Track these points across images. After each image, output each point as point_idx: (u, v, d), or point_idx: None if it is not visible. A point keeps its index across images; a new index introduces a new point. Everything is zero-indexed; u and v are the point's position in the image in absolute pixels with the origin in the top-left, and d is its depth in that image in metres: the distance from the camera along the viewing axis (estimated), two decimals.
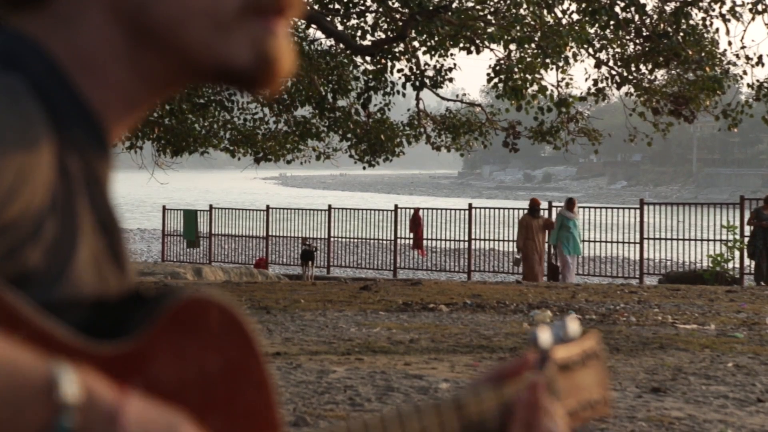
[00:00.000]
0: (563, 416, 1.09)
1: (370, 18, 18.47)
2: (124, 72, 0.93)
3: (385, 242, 26.75)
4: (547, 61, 15.76)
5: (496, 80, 16.22)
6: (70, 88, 0.90)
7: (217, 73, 0.94)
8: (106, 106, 0.93)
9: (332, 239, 26.91)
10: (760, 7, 16.67)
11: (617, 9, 16.16)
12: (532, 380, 1.05)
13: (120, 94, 0.93)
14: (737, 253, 20.59)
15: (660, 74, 18.37)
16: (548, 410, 1.05)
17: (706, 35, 17.11)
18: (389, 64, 17.49)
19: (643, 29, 16.95)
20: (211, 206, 28.92)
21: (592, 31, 16.92)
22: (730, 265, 20.43)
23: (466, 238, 25.16)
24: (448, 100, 21.10)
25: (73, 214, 0.87)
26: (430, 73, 18.44)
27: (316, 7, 17.50)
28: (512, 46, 16.10)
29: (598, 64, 18.36)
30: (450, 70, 18.64)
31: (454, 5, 15.50)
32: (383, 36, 18.04)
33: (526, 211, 21.36)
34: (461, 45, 16.37)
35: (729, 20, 17.07)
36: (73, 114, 0.90)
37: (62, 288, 0.86)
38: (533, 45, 15.62)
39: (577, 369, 1.13)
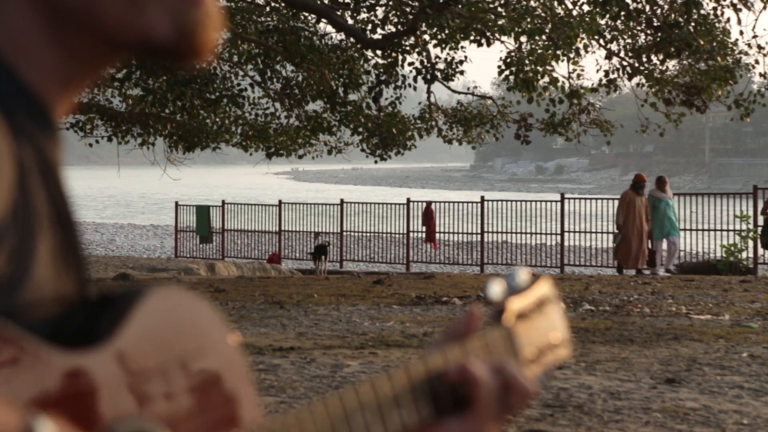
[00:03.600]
0: (528, 366, 1.10)
1: (380, 12, 18.48)
2: (55, 53, 0.91)
3: (397, 236, 26.75)
4: (558, 52, 15.73)
5: (507, 72, 16.20)
6: (9, 73, 0.89)
7: (140, 47, 0.92)
8: (43, 87, 0.91)
9: (345, 233, 26.92)
10: None
11: None
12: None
13: (54, 73, 0.92)
14: (751, 243, 20.54)
15: (671, 64, 18.33)
16: (510, 363, 1.05)
17: (717, 25, 17.05)
18: (400, 57, 17.48)
19: (654, 19, 16.91)
20: (223, 202, 28.96)
21: (602, 22, 16.89)
22: (744, 255, 20.37)
23: (479, 231, 25.14)
24: (459, 92, 21.08)
25: (31, 212, 0.86)
26: (441, 66, 18.43)
27: (326, 1, 17.50)
28: (523, 38, 16.08)
29: (609, 55, 18.32)
30: (461, 62, 18.63)
31: None
32: (394, 29, 18.03)
33: (629, 187, 20.32)
34: (472, 38, 16.35)
35: (740, 9, 17.03)
36: (17, 99, 0.88)
37: (25, 291, 0.84)
38: (544, 37, 15.59)
39: (534, 316, 1.13)
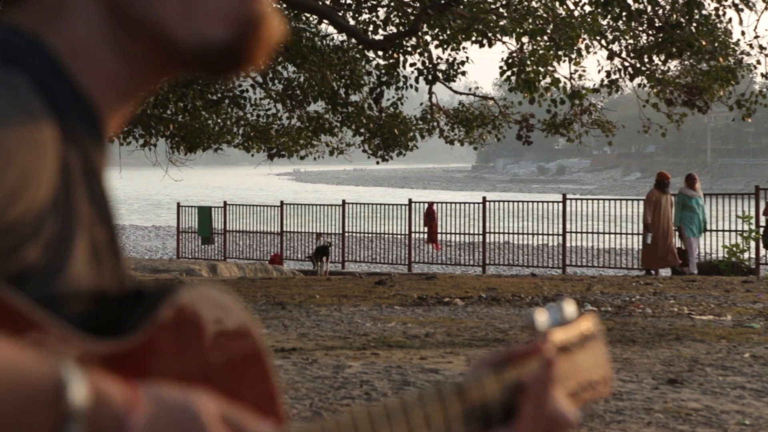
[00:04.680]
0: (567, 398, 1.10)
1: (381, 12, 18.48)
2: (114, 58, 0.93)
3: (399, 237, 26.74)
4: (560, 53, 15.73)
5: (508, 73, 16.20)
6: (67, 79, 0.90)
7: (197, 51, 0.92)
8: (100, 95, 0.92)
9: (347, 234, 26.92)
10: None
11: (629, 0, 16.12)
12: (548, 358, 1.06)
13: (112, 82, 0.93)
14: (753, 244, 20.52)
15: (673, 65, 18.33)
16: (557, 390, 1.06)
17: (719, 25, 17.04)
18: (401, 58, 17.48)
19: (656, 20, 16.90)
20: (225, 203, 28.96)
21: (604, 22, 16.89)
22: (746, 255, 20.36)
23: (481, 232, 25.13)
24: (460, 93, 21.08)
25: (72, 209, 0.87)
26: (443, 66, 18.43)
27: (328, 2, 17.50)
28: (524, 39, 16.08)
29: (611, 56, 18.32)
30: (462, 63, 18.63)
31: None
32: (395, 30, 18.03)
33: (653, 186, 19.82)
34: (473, 38, 16.35)
35: (742, 10, 17.01)
36: (71, 105, 0.90)
37: (60, 282, 0.86)
38: (545, 37, 15.59)
39: (576, 351, 1.13)
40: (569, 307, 1.13)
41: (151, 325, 0.86)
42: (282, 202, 28.38)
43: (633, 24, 17.17)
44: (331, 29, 18.91)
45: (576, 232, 24.57)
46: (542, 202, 26.24)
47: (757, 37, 17.79)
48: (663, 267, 19.62)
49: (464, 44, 17.89)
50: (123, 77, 0.93)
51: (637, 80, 18.55)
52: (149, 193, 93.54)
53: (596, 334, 1.16)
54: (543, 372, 1.05)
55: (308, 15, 18.29)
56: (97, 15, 0.91)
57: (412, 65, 17.94)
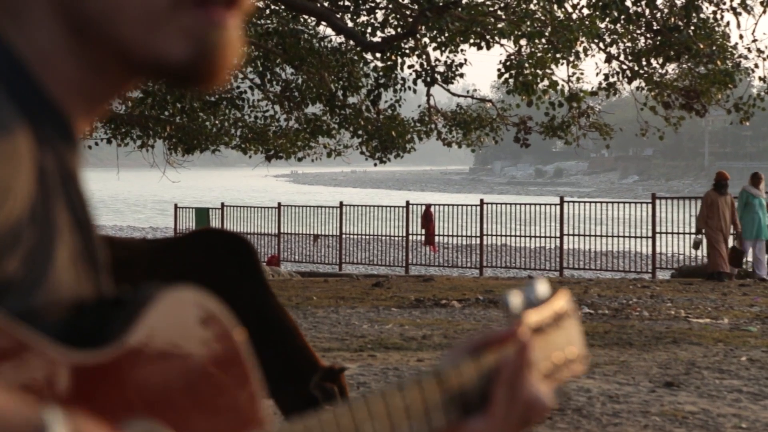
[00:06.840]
0: (543, 381, 1.09)
1: (380, 14, 18.48)
2: (77, 65, 0.91)
3: (396, 239, 26.73)
4: (558, 56, 15.74)
5: (506, 75, 16.20)
6: (35, 84, 0.89)
7: (155, 69, 0.91)
8: (66, 100, 0.91)
9: (344, 236, 26.91)
10: None
11: (628, 3, 16.13)
12: (522, 341, 1.05)
13: (77, 88, 0.92)
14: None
15: (671, 68, 18.34)
16: (532, 373, 1.05)
17: (717, 29, 17.07)
18: (399, 60, 17.48)
19: (654, 23, 16.92)
20: (222, 204, 28.95)
21: (602, 25, 16.90)
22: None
23: (478, 234, 25.14)
24: (458, 95, 21.08)
25: (50, 217, 0.86)
26: (441, 69, 18.43)
27: (326, 4, 17.50)
28: (523, 42, 16.09)
29: (609, 59, 18.33)
30: (460, 65, 18.63)
31: (464, 1, 15.49)
32: (393, 32, 18.03)
33: (711, 187, 19.05)
34: (471, 41, 16.36)
35: (740, 13, 17.04)
36: (42, 110, 0.88)
37: (41, 293, 0.84)
38: (544, 40, 15.60)
39: (550, 330, 1.12)
40: (542, 287, 1.11)
41: (129, 332, 0.85)
42: (279, 204, 28.36)
43: (631, 27, 17.19)
44: (329, 31, 18.91)
45: (573, 235, 24.57)
46: (540, 204, 26.23)
47: (755, 40, 17.84)
48: (735, 267, 18.60)
49: (462, 46, 17.90)
50: (87, 83, 0.92)
51: (635, 83, 18.57)
52: (147, 195, 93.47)
53: (570, 311, 1.15)
54: (517, 356, 1.04)
55: (306, 17, 18.29)
56: (56, 23, 0.90)
57: (410, 67, 17.95)
